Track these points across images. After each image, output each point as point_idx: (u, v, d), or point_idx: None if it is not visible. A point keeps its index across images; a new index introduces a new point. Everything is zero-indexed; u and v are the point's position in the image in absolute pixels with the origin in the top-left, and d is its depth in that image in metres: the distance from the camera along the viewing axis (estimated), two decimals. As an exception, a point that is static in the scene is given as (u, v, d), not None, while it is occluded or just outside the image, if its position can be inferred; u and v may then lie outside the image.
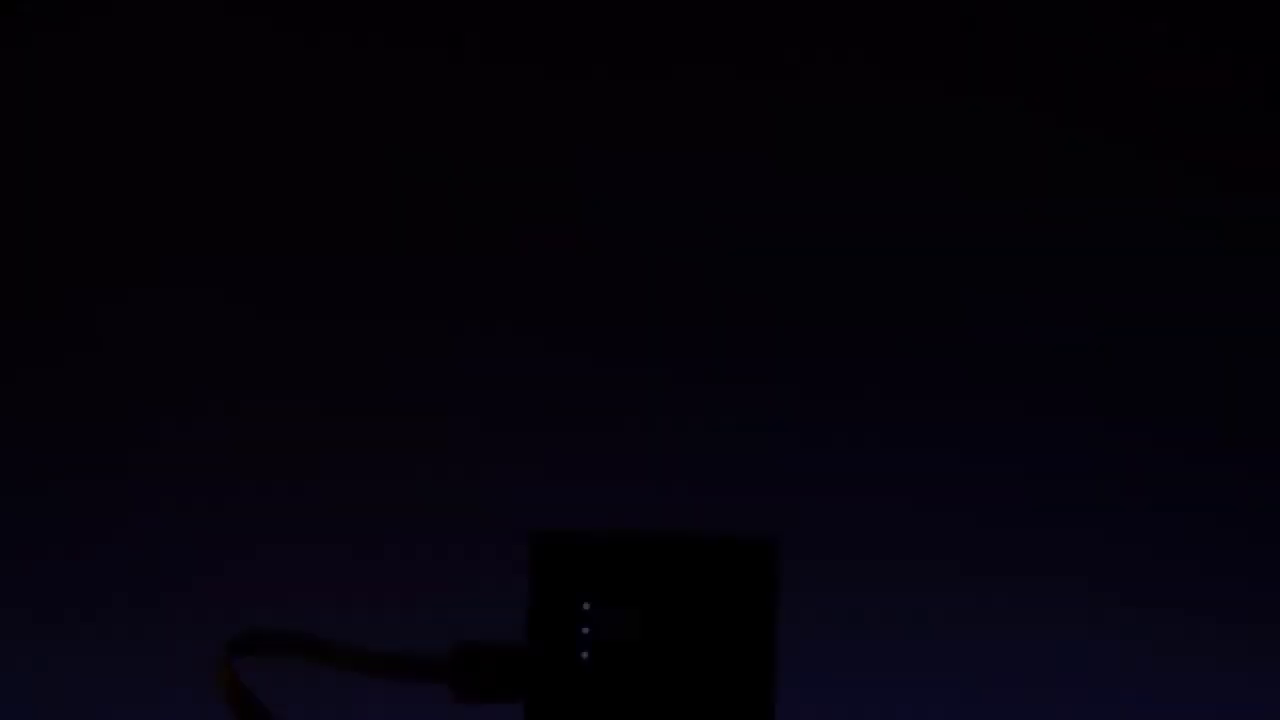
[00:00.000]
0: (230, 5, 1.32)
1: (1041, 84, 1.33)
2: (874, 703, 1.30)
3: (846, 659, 1.31)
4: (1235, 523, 1.33)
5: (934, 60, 1.33)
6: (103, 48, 1.31)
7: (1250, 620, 1.32)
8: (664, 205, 1.33)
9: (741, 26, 1.33)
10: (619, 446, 1.32)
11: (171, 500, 1.30)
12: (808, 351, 1.33)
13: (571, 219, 1.33)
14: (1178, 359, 1.33)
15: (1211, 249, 1.34)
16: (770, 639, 0.80)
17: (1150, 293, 1.33)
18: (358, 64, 1.32)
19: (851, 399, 1.33)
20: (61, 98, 1.32)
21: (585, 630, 0.79)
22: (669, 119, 1.32)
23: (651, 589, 0.79)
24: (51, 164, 1.32)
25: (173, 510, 1.30)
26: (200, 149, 1.32)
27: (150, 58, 1.31)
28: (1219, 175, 1.33)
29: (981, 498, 1.33)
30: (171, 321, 1.31)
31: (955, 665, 1.31)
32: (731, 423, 1.31)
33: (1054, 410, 1.33)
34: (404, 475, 1.32)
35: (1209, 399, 1.33)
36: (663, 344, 1.33)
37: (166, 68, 1.31)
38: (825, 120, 1.33)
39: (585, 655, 0.79)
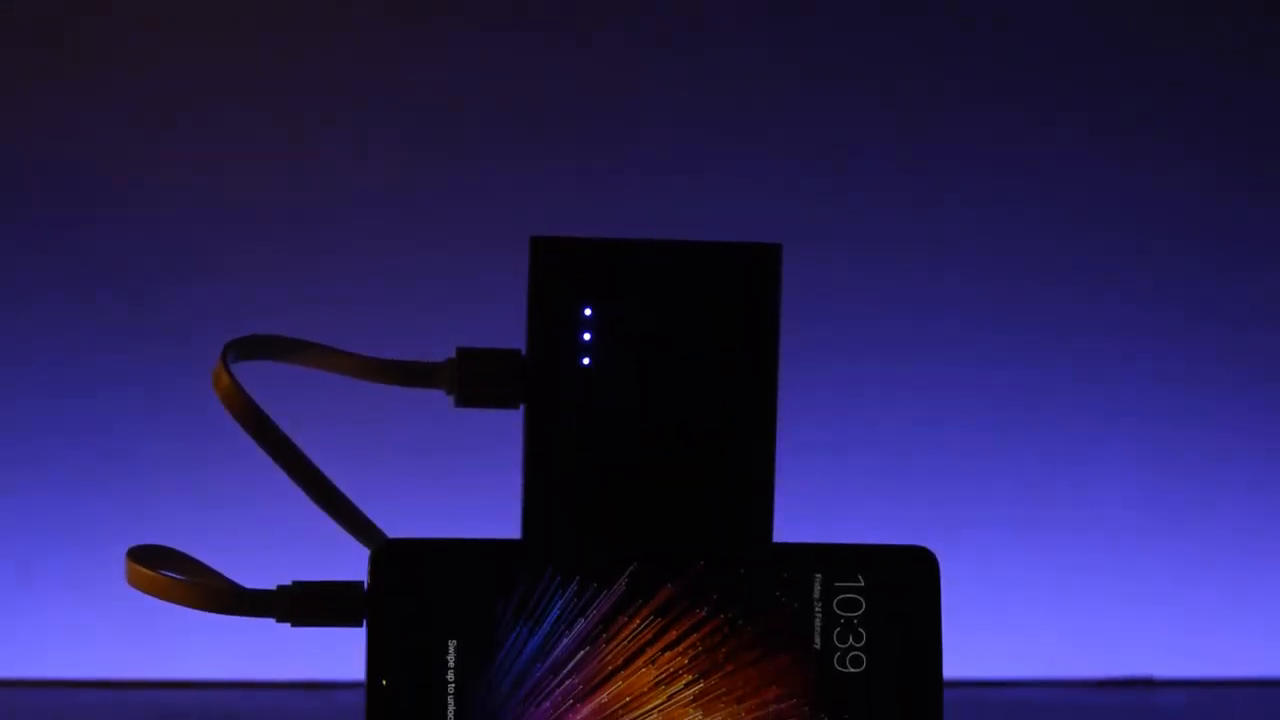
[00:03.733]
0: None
1: None
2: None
3: (846, 376, 1.32)
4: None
5: None
6: None
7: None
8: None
9: None
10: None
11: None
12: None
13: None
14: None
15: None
16: (773, 342, 0.79)
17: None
18: None
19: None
20: None
21: (586, 335, 0.78)
22: None
23: (653, 292, 0.78)
24: None
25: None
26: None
27: None
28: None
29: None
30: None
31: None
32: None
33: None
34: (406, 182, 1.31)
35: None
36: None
37: None
38: None
39: (586, 360, 0.79)
